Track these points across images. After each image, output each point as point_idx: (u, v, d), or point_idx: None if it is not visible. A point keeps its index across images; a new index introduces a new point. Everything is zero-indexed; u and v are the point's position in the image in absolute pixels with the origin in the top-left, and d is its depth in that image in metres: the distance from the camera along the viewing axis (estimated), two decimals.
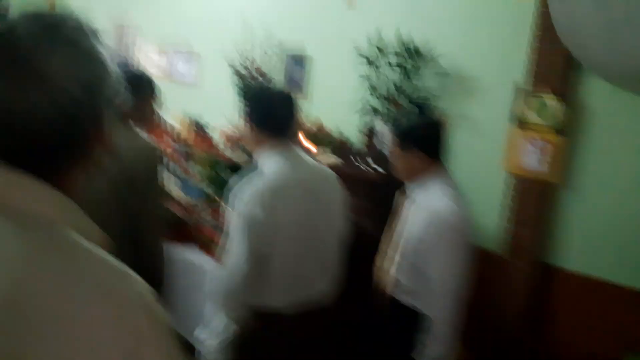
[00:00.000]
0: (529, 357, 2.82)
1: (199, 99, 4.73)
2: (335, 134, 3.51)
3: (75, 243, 0.66)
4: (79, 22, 0.70)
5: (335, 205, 1.83)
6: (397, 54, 3.13)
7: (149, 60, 5.16)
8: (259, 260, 1.60)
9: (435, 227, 1.78)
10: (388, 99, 3.19)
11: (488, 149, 3.01)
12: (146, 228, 1.82)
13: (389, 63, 3.18)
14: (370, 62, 3.23)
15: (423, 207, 1.88)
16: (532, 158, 2.79)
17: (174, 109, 4.58)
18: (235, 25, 4.25)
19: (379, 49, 3.19)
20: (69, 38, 0.67)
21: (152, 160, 1.84)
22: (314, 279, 1.76)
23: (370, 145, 3.29)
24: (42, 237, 0.65)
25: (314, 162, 1.86)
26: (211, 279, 1.69)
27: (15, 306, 0.59)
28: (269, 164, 1.71)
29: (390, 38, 3.20)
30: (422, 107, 3.12)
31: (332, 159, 3.05)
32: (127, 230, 1.74)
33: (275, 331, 1.69)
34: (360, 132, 3.41)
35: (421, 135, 1.98)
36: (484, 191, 2.96)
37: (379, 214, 2.80)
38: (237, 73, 3.99)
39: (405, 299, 1.93)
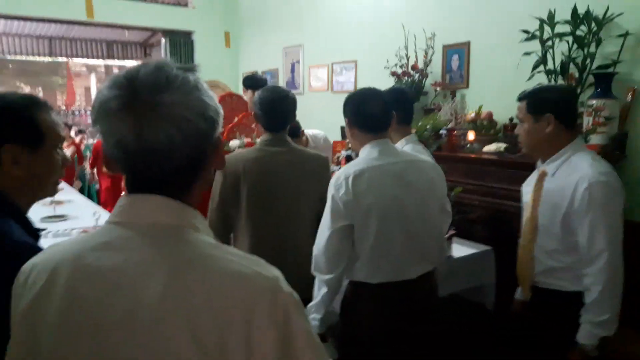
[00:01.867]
0: None
1: None
2: (502, 121, 3.29)
3: (199, 240, 0.76)
4: (176, 64, 0.77)
5: (430, 194, 1.79)
6: (566, 22, 2.82)
7: (312, 75, 5.47)
8: (344, 235, 1.69)
9: (593, 190, 1.66)
10: (560, 73, 2.89)
11: None
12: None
13: (557, 35, 2.88)
14: (534, 37, 2.96)
15: (568, 177, 1.74)
16: None
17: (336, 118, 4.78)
18: (392, 28, 4.27)
19: (544, 21, 2.91)
20: (177, 76, 0.74)
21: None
22: (406, 261, 1.75)
23: None
24: (173, 244, 0.74)
25: (411, 154, 1.88)
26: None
27: (161, 314, 0.69)
28: (361, 154, 1.79)
29: (554, 7, 2.90)
30: (603, 76, 2.75)
31: (495, 146, 2.86)
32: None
33: (366, 297, 1.75)
34: None
35: (555, 99, 1.80)
36: None
37: None
38: (393, 73, 4.00)
39: (550, 282, 1.82)
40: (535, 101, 1.80)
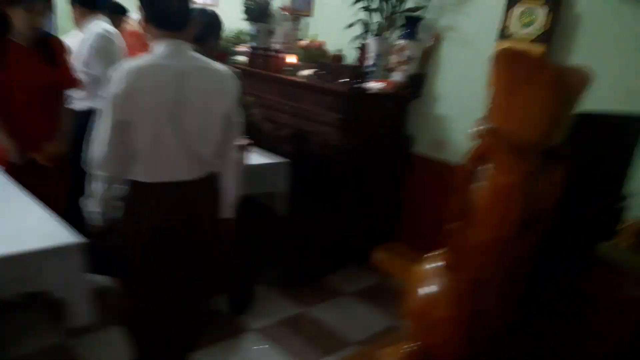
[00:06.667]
0: None
1: None
2: (332, 52, 3.51)
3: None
4: None
5: (211, 101, 1.81)
6: None
7: None
8: (121, 132, 1.70)
9: None
10: (377, 10, 3.14)
11: (477, 63, 2.91)
12: None
13: None
14: None
15: None
16: None
17: None
18: None
19: None
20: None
21: None
22: (181, 164, 1.79)
23: (361, 60, 3.28)
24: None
25: (205, 59, 1.84)
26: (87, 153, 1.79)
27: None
28: (151, 51, 1.77)
29: None
30: (410, 19, 3.04)
31: (310, 72, 3.09)
32: None
33: (145, 196, 1.79)
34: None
35: None
36: (467, 105, 2.89)
37: (347, 126, 2.87)
38: None
39: None
40: None
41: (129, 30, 3.53)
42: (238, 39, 4.05)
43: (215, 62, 1.87)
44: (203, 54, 1.92)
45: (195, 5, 2.00)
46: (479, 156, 1.71)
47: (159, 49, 1.74)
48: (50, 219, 1.79)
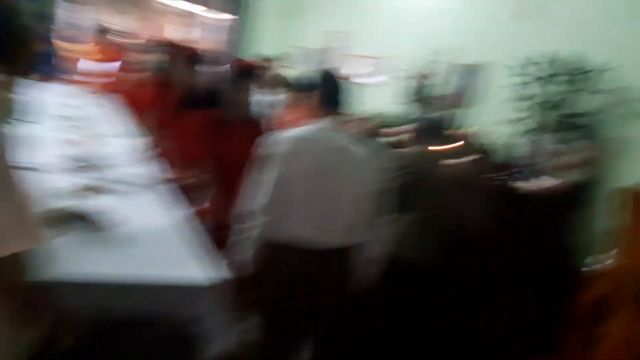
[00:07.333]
0: None
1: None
2: (485, 143, 3.45)
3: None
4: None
5: (353, 174, 1.96)
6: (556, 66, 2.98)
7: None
8: (280, 189, 1.90)
9: None
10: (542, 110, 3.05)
11: None
12: None
13: (549, 76, 3.03)
14: (524, 75, 3.13)
15: None
16: None
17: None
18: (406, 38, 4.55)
19: (536, 63, 3.07)
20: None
21: None
22: (325, 229, 1.93)
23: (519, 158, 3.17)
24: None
25: (346, 139, 1.99)
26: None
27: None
28: (308, 124, 1.99)
29: (555, 50, 3.05)
30: (577, 123, 2.89)
31: (457, 162, 3.04)
32: None
33: (287, 252, 1.93)
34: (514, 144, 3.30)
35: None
36: None
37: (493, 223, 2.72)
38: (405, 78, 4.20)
39: None
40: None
41: None
42: (383, 122, 4.12)
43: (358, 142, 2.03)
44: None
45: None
46: (599, 298, 1.53)
47: (320, 123, 1.97)
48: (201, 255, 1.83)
